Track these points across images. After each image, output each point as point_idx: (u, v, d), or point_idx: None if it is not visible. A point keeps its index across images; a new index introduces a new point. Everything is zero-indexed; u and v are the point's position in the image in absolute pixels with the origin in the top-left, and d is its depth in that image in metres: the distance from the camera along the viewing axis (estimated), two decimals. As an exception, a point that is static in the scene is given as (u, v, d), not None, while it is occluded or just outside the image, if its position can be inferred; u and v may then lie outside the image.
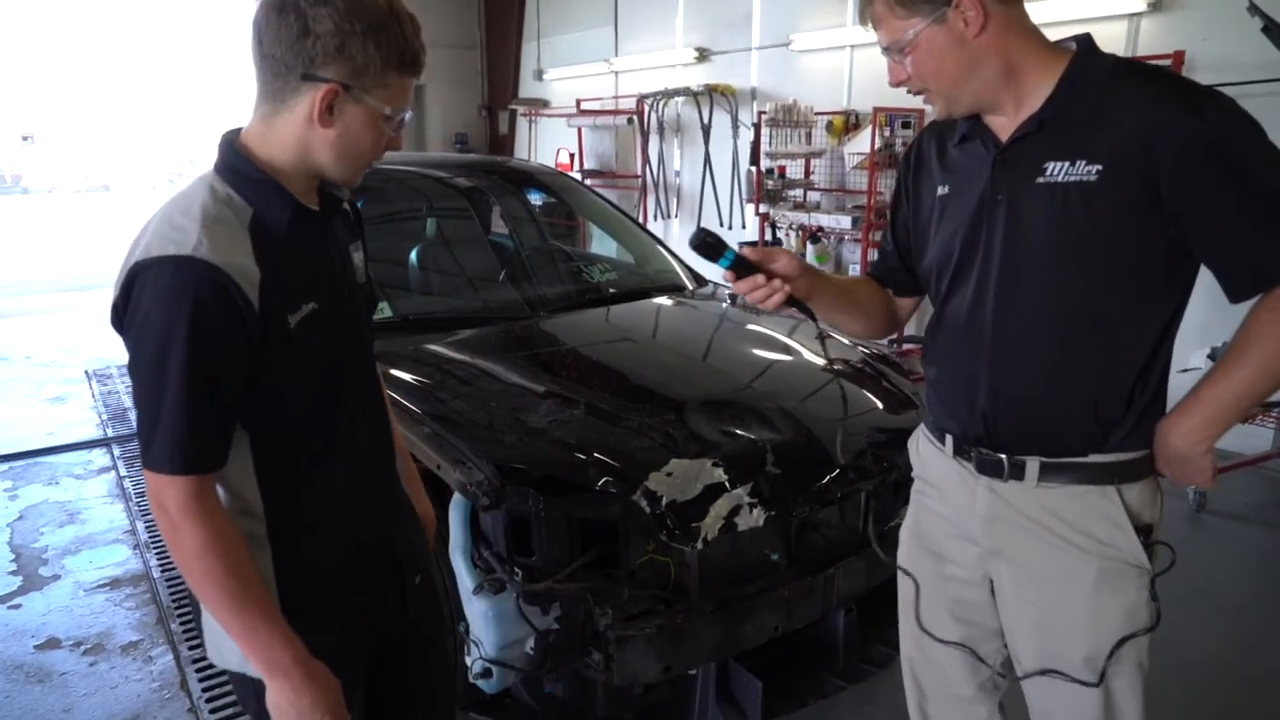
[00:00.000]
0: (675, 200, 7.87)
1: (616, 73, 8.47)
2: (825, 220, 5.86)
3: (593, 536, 1.95)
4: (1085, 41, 1.27)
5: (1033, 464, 1.34)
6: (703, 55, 7.39)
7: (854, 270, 5.89)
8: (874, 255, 5.75)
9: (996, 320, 1.33)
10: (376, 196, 3.15)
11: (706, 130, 6.96)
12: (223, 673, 1.29)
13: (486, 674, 1.92)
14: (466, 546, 1.97)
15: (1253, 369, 1.22)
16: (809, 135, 6.08)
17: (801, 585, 2.00)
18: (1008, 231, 1.29)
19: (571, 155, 8.51)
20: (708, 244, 1.33)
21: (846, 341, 2.83)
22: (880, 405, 2.40)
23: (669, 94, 7.36)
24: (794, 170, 6.30)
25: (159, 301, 1.03)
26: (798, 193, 6.27)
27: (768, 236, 6.31)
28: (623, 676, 1.81)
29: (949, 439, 1.45)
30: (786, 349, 2.72)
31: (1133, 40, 4.57)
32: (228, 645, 1.17)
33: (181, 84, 22.65)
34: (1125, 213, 1.21)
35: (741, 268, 1.34)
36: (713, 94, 6.90)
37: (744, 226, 7.05)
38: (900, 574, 1.60)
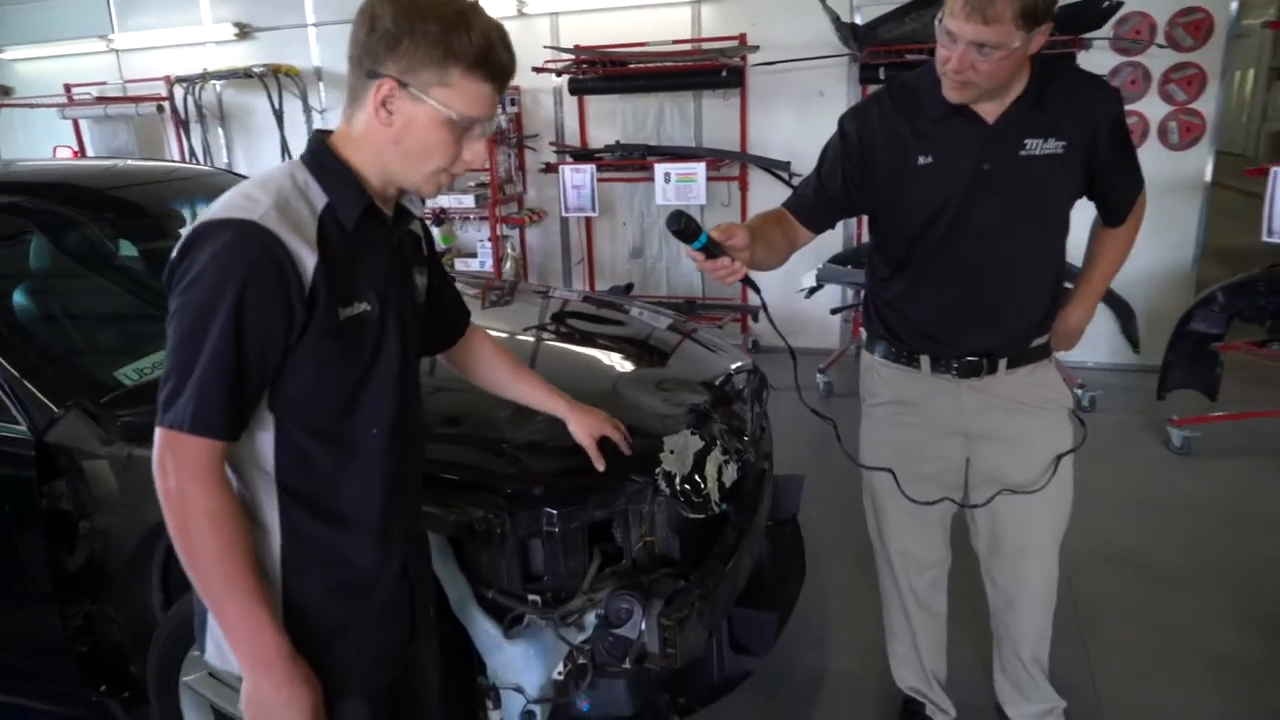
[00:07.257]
0: (236, 197, 6.90)
1: (118, 51, 7.03)
2: (446, 201, 5.79)
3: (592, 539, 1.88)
4: None
5: (1002, 360, 1.77)
6: (244, 32, 6.55)
7: (482, 248, 5.95)
8: (505, 230, 5.86)
9: (1003, 262, 1.70)
10: None
11: (279, 115, 6.24)
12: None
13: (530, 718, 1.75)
14: (468, 594, 1.74)
15: (1112, 267, 1.85)
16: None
17: (753, 524, 2.19)
18: (1003, 192, 1.65)
19: (75, 153, 6.88)
20: (685, 230, 1.40)
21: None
22: (724, 350, 2.66)
23: (210, 76, 6.38)
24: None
25: (215, 260, 1.02)
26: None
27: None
28: (684, 656, 1.81)
29: (924, 360, 1.80)
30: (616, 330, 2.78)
31: (697, 23, 5.39)
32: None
33: None
34: (1076, 174, 1.67)
35: (712, 250, 1.45)
36: (278, 75, 6.20)
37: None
38: (874, 473, 1.95)
